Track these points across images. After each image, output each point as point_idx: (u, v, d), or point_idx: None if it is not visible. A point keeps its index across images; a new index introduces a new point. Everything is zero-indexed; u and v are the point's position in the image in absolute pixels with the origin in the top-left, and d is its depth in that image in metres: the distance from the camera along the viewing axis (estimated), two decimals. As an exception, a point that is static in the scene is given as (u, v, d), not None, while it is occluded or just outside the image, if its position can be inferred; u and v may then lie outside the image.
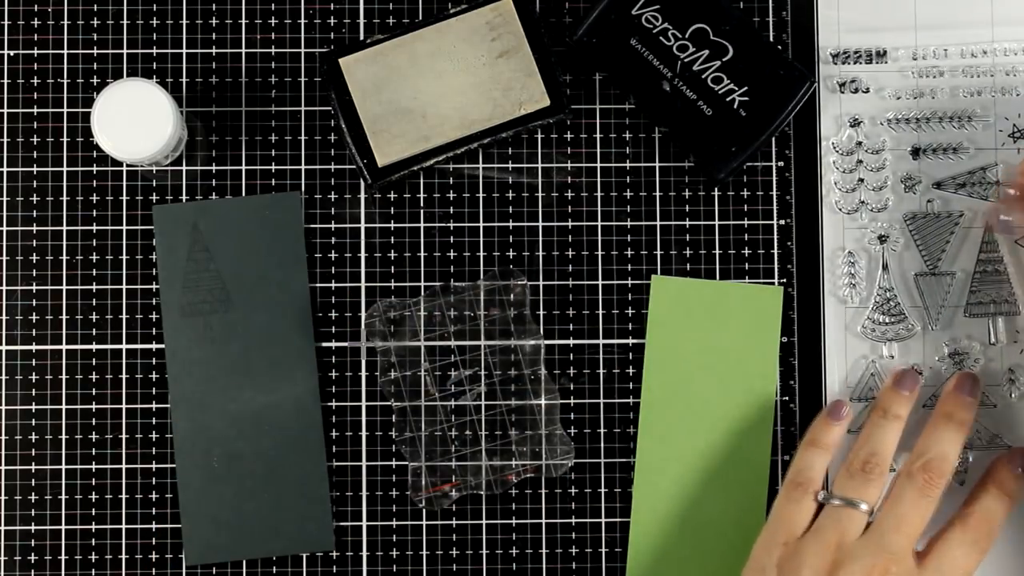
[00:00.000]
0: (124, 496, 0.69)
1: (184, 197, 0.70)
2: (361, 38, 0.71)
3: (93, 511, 0.69)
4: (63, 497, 0.69)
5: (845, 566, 0.62)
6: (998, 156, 0.70)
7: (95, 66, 0.70)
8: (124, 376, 0.69)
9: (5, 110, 0.70)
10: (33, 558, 0.69)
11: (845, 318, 0.70)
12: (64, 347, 0.69)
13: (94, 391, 0.69)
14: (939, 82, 0.70)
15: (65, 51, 0.70)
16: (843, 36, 0.71)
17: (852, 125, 0.70)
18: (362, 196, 0.70)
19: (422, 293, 0.70)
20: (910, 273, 0.70)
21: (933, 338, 0.70)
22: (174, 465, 0.69)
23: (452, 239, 0.70)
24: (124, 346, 0.69)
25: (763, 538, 0.65)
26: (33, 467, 0.69)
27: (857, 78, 0.70)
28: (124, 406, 0.69)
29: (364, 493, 0.69)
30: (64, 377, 0.69)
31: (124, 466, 0.69)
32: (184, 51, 0.70)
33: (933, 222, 0.70)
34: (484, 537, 0.69)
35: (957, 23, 0.71)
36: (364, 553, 0.69)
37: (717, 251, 0.70)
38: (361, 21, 0.71)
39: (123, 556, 0.69)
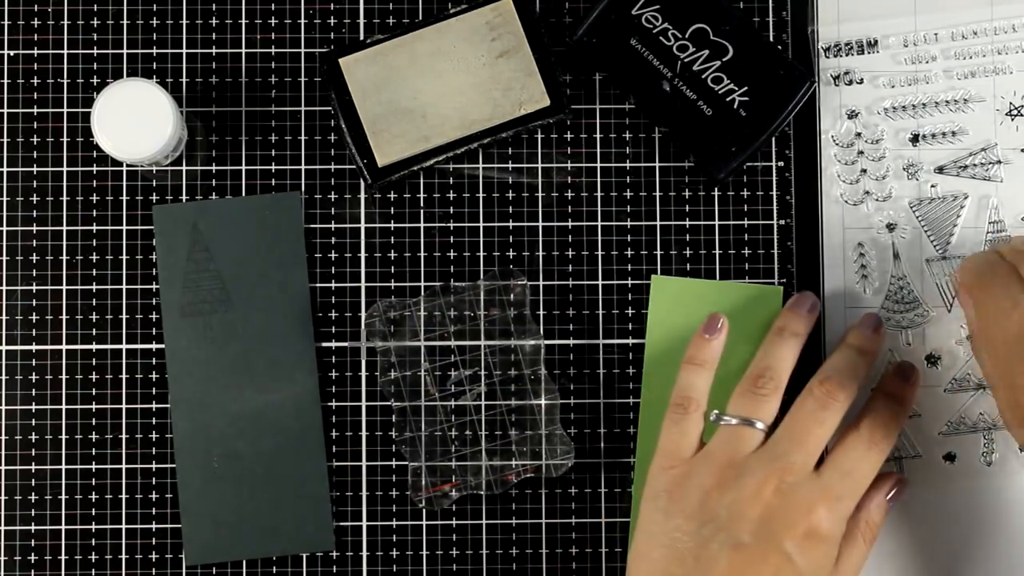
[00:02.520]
0: (124, 496, 0.69)
1: (184, 197, 0.70)
2: (361, 38, 0.71)
3: (93, 511, 0.69)
4: (63, 497, 0.69)
5: (737, 481, 0.60)
6: (996, 136, 0.70)
7: (95, 66, 0.70)
8: (124, 376, 0.69)
9: (5, 110, 0.70)
10: (33, 558, 0.69)
11: (862, 308, 0.70)
12: (64, 347, 0.69)
13: (94, 391, 0.69)
14: (932, 67, 0.70)
15: (65, 51, 0.70)
16: (842, 26, 0.71)
17: (850, 117, 0.70)
18: (362, 196, 0.70)
19: (422, 293, 0.70)
20: (921, 259, 0.70)
21: (949, 322, 0.70)
22: (174, 465, 0.69)
23: (452, 239, 0.70)
24: (124, 346, 0.69)
25: (653, 464, 0.64)
26: (33, 467, 0.69)
27: (851, 69, 0.70)
28: (124, 406, 0.69)
29: (364, 493, 0.69)
30: (64, 377, 0.69)
31: (124, 466, 0.69)
32: (184, 51, 0.70)
33: (938, 206, 0.70)
34: (484, 537, 0.69)
35: (950, 5, 0.71)
36: (364, 553, 0.69)
37: (717, 251, 0.70)
38: (361, 21, 0.71)
39: (123, 556, 0.69)
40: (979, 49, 0.70)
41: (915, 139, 0.70)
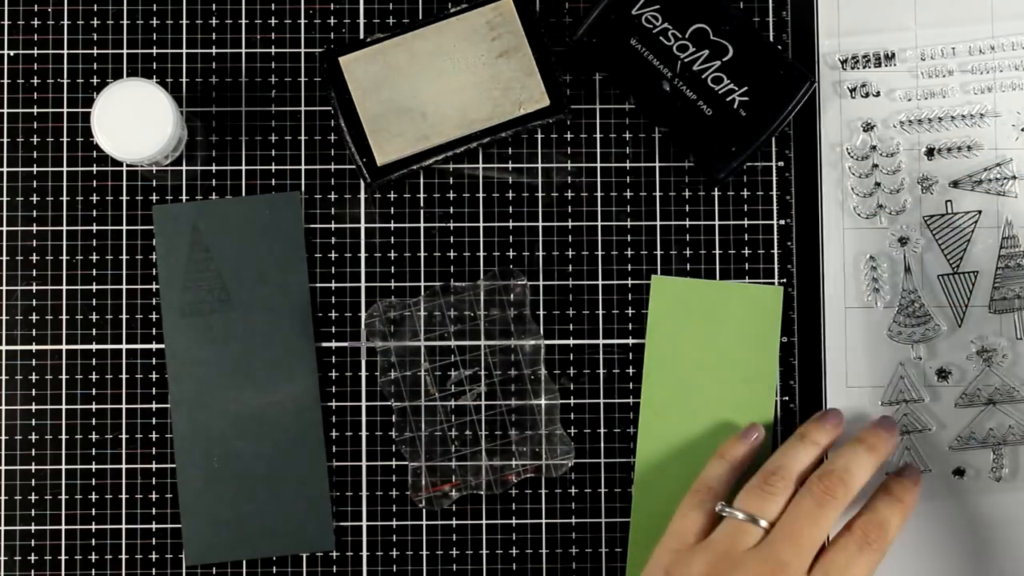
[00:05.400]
0: (124, 496, 0.69)
1: (184, 197, 0.70)
2: (361, 37, 0.71)
3: (93, 511, 0.69)
4: (63, 497, 0.69)
5: (729, 574, 0.61)
6: (1012, 151, 0.70)
7: (95, 66, 0.70)
8: (124, 376, 0.69)
9: (5, 110, 0.70)
10: (33, 558, 0.69)
11: (871, 322, 0.70)
12: (64, 347, 0.69)
13: (94, 391, 0.69)
14: (948, 81, 0.70)
15: (65, 51, 0.70)
16: (843, 38, 0.71)
17: (865, 130, 0.70)
18: (362, 196, 0.70)
19: (422, 293, 0.70)
20: (933, 274, 0.70)
21: (960, 337, 0.70)
22: (174, 465, 0.69)
23: (452, 239, 0.70)
24: (124, 346, 0.69)
25: (660, 544, 0.64)
26: (33, 467, 0.69)
27: (867, 82, 0.70)
28: (124, 406, 0.69)
29: (364, 493, 0.69)
30: (64, 377, 0.69)
31: (124, 466, 0.69)
32: (184, 51, 0.70)
33: (952, 221, 0.70)
34: (484, 537, 0.69)
35: (957, 20, 0.71)
36: (364, 553, 0.69)
37: (717, 251, 0.70)
38: (361, 21, 0.71)
39: (123, 556, 0.69)
40: (996, 64, 0.70)
41: (930, 153, 0.70)
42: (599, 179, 0.71)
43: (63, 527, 0.69)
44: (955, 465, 0.70)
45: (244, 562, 0.69)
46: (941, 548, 0.69)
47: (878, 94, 0.70)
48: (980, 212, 0.70)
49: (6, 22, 0.70)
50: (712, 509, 0.64)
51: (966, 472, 0.70)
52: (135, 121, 0.65)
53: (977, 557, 0.69)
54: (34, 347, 0.69)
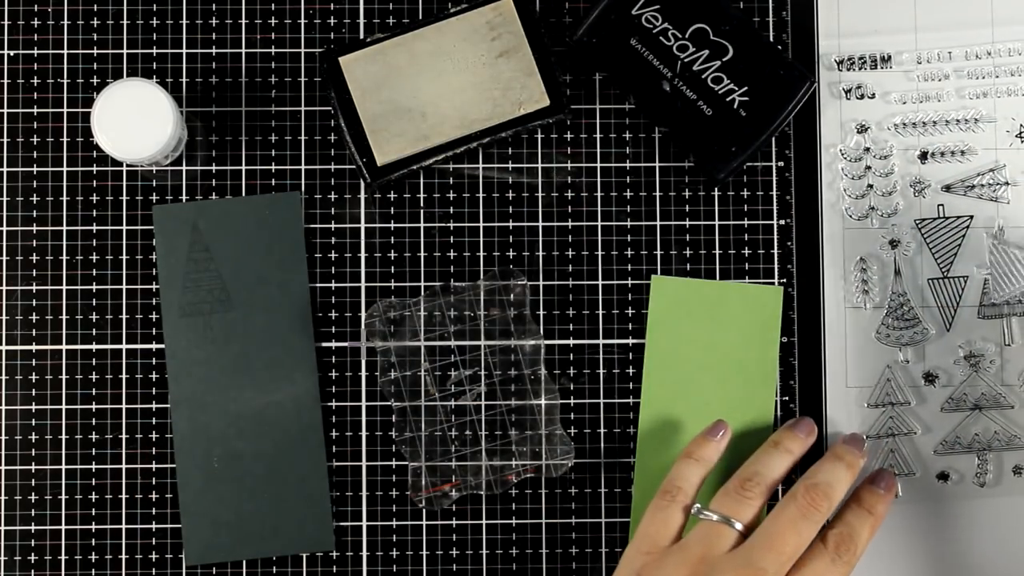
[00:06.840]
0: (124, 496, 0.69)
1: (184, 197, 0.70)
2: (361, 37, 0.71)
3: (93, 511, 0.69)
4: (63, 497, 0.69)
5: None
6: (1006, 157, 0.70)
7: (95, 66, 0.70)
8: (124, 376, 0.69)
9: (5, 110, 0.70)
10: (33, 558, 0.69)
11: (860, 323, 0.70)
12: (64, 347, 0.69)
13: (94, 391, 0.69)
14: (944, 85, 0.70)
15: (65, 51, 0.70)
16: (843, 39, 0.71)
17: (859, 131, 0.70)
18: (362, 196, 0.70)
19: (422, 293, 0.70)
20: (923, 277, 0.70)
21: (948, 341, 0.70)
22: (174, 465, 0.69)
23: (452, 239, 0.70)
24: (124, 346, 0.69)
25: (630, 546, 0.64)
26: (33, 467, 0.69)
27: (863, 83, 0.70)
28: (124, 406, 0.69)
29: (364, 493, 0.69)
30: (64, 377, 0.69)
31: (124, 466, 0.69)
32: (184, 51, 0.70)
33: (943, 225, 0.70)
34: (484, 537, 0.69)
35: (956, 24, 0.71)
36: (364, 553, 0.69)
37: (717, 251, 0.70)
38: (361, 21, 0.71)
39: (123, 556, 0.69)
40: (991, 69, 0.70)
41: (924, 156, 0.70)
42: (599, 179, 0.71)
43: (63, 527, 0.69)
44: (939, 469, 0.70)
45: (244, 562, 0.69)
46: (922, 551, 0.69)
47: (873, 96, 0.70)
48: (972, 217, 0.70)
49: (6, 22, 0.70)
50: (682, 511, 0.64)
51: (950, 476, 0.70)
52: (135, 121, 0.65)
53: (958, 561, 0.69)
54: (34, 347, 0.69)
